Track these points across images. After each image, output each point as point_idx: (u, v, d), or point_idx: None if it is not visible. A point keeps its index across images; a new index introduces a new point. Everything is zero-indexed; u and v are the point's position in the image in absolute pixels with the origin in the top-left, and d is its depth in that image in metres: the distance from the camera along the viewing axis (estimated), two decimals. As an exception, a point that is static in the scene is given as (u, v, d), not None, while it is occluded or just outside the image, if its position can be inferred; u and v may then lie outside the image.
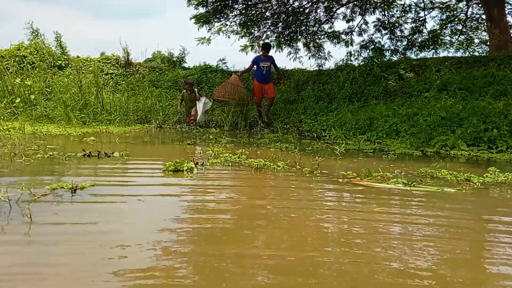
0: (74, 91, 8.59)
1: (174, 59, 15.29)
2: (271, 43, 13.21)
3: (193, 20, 13.66)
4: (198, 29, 13.75)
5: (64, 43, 13.42)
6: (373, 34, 15.84)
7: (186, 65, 15.17)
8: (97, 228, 1.92)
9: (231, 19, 14.25)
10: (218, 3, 13.15)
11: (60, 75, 11.25)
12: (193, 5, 13.13)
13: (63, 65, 12.75)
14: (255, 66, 9.27)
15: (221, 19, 13.95)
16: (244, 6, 14.07)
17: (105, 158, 4.00)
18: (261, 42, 15.30)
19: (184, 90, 9.69)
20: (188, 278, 1.43)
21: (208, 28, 13.97)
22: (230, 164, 3.93)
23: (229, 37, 14.55)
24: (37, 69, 10.95)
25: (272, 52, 9.85)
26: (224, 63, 14.82)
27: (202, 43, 14.16)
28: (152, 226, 1.96)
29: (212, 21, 13.75)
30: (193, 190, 2.87)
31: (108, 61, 13.76)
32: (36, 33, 14.11)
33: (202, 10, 13.41)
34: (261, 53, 9.33)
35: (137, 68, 14.03)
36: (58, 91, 8.97)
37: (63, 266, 1.49)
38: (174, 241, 1.78)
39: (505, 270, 1.57)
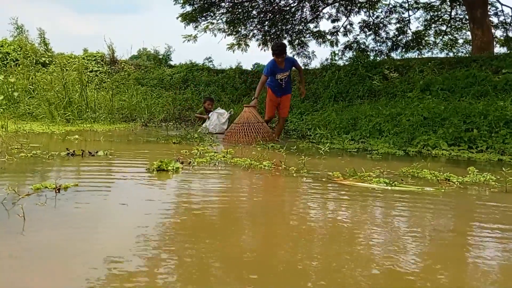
0: (58, 89, 8.51)
1: (160, 56, 15.24)
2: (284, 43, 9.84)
3: (179, 19, 13.62)
4: (185, 26, 13.73)
5: (47, 39, 13.28)
6: (358, 35, 16.00)
7: (172, 63, 15.14)
8: (80, 230, 1.92)
9: (218, 17, 14.25)
10: (205, 1, 13.13)
11: (44, 72, 11.13)
12: (180, 4, 13.09)
13: (47, 62, 12.62)
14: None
15: (208, 18, 13.93)
16: (231, 4, 14.08)
17: (89, 157, 3.99)
18: (248, 40, 15.29)
19: (203, 109, 9.09)
20: (171, 280, 1.45)
21: (194, 26, 13.95)
22: (216, 163, 3.95)
23: (215, 35, 14.56)
24: (20, 66, 10.81)
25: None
26: (210, 61, 14.83)
27: (189, 40, 14.17)
28: (136, 227, 1.98)
29: (198, 19, 13.72)
30: (179, 190, 2.89)
31: (92, 59, 13.65)
32: (21, 29, 13.93)
33: (188, 8, 13.37)
34: (273, 57, 6.61)
35: (122, 65, 13.95)
36: (41, 89, 8.88)
37: (46, 265, 1.50)
38: (159, 243, 1.80)
39: (483, 268, 1.63)
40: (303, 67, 14.27)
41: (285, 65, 6.63)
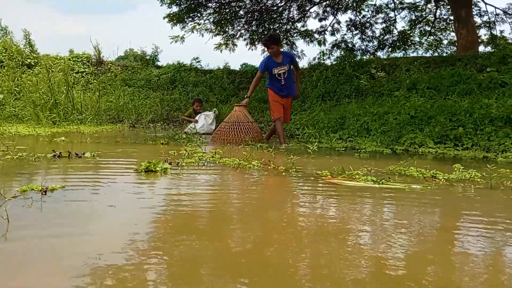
0: (43, 90, 8.42)
1: (147, 57, 15.16)
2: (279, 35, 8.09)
3: (166, 19, 13.54)
4: (172, 27, 13.67)
5: (33, 41, 13.13)
6: (345, 34, 16.12)
7: (159, 64, 15.08)
8: (66, 232, 1.91)
9: (205, 17, 14.21)
10: (192, 2, 13.09)
11: (29, 74, 11.01)
12: (166, 4, 13.03)
13: (32, 63, 12.47)
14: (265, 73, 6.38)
15: (195, 18, 13.89)
16: (218, 4, 14.05)
17: (76, 159, 3.95)
18: (236, 40, 15.26)
19: (192, 111, 8.90)
20: (161, 281, 1.45)
21: (181, 26, 13.89)
22: (204, 163, 3.95)
23: (202, 35, 14.52)
24: (5, 68, 10.67)
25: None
26: (198, 61, 14.81)
27: (176, 41, 14.09)
28: (124, 229, 1.97)
29: (185, 20, 13.66)
30: (167, 191, 2.88)
31: (78, 60, 13.53)
32: (5, 31, 13.77)
33: (175, 9, 13.32)
34: (267, 52, 6.31)
35: (109, 66, 13.85)
36: (27, 91, 8.79)
37: (32, 268, 1.49)
38: (148, 245, 1.79)
39: (470, 263, 1.65)
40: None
41: (283, 59, 6.08)
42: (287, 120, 6.43)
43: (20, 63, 11.96)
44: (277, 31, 15.82)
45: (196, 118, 8.44)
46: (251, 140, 5.98)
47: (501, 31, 15.23)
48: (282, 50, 6.35)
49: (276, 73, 6.07)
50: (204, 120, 8.19)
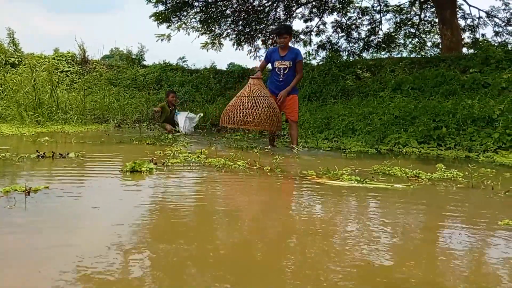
0: (27, 90, 8.31)
1: (133, 56, 15.05)
2: (289, 26, 8.19)
3: (152, 18, 13.45)
4: (158, 26, 13.58)
5: (17, 39, 12.94)
6: (330, 35, 16.21)
7: (145, 63, 14.99)
8: (49, 233, 1.90)
9: (191, 16, 14.15)
10: (178, 1, 13.02)
11: (13, 73, 10.85)
12: (152, 3, 12.94)
13: (16, 62, 12.29)
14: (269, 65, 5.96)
15: (181, 17, 13.82)
16: (204, 4, 14.00)
17: (60, 159, 3.92)
18: (222, 39, 15.22)
19: (165, 103, 8.46)
20: (145, 283, 1.45)
21: (168, 25, 13.81)
22: (190, 164, 3.94)
23: (189, 34, 14.44)
24: (-12, 66, 10.51)
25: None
26: (184, 61, 14.76)
27: (162, 40, 14.02)
28: (108, 230, 1.97)
29: (172, 19, 13.59)
30: (152, 192, 2.87)
31: (63, 59, 13.38)
32: (-13, 29, 13.55)
33: (161, 7, 13.23)
34: (276, 43, 5.87)
35: (94, 65, 13.72)
36: (10, 90, 8.67)
37: (15, 269, 1.48)
38: (132, 246, 1.79)
39: (453, 261, 1.68)
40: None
41: (287, 54, 5.59)
42: (292, 116, 5.69)
43: (4, 62, 11.79)
44: (263, 31, 15.83)
45: (180, 121, 8.07)
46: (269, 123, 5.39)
47: (483, 35, 15.46)
48: (291, 46, 5.95)
49: (277, 67, 5.64)
50: (190, 125, 8.02)
